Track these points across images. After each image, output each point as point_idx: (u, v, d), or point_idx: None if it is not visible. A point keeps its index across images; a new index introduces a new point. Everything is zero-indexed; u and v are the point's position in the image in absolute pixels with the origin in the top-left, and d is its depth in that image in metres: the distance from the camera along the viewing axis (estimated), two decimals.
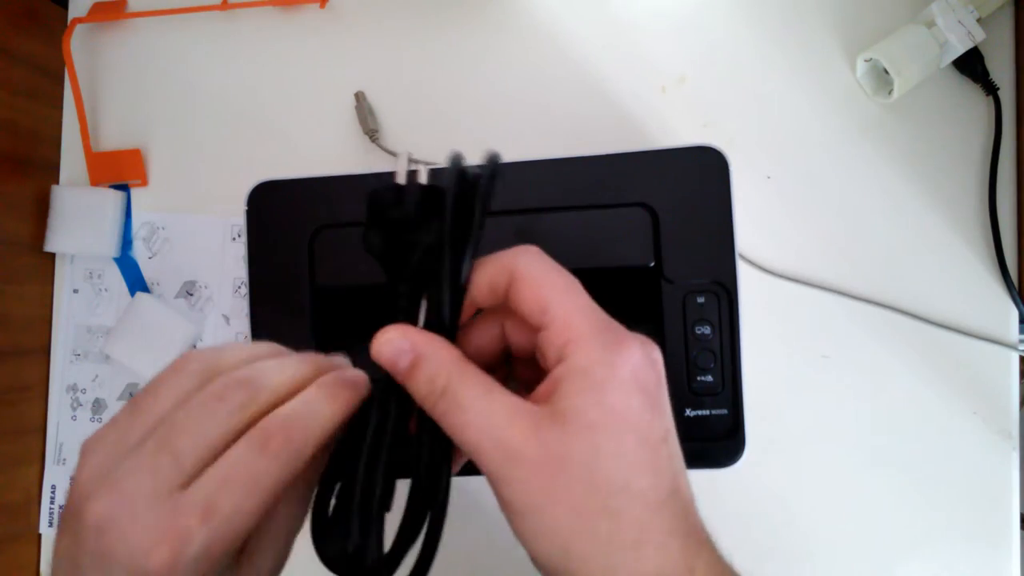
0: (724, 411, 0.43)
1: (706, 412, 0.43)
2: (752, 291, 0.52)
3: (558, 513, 0.23)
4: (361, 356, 0.27)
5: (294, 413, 0.24)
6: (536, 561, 0.24)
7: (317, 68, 0.58)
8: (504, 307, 0.27)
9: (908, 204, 0.53)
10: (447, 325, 0.26)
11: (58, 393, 0.58)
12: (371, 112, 0.56)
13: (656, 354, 0.26)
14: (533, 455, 0.23)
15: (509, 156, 0.44)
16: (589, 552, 0.23)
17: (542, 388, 0.25)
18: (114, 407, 0.57)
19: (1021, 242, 0.51)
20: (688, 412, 0.43)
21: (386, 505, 0.25)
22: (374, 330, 0.48)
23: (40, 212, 0.57)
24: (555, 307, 0.25)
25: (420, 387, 0.25)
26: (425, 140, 0.56)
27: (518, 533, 0.24)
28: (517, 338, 0.28)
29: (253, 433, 0.23)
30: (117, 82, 0.59)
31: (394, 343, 0.25)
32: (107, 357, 0.57)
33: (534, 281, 0.25)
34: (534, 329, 0.26)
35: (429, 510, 0.25)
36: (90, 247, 0.56)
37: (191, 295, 0.57)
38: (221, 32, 0.59)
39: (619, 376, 0.24)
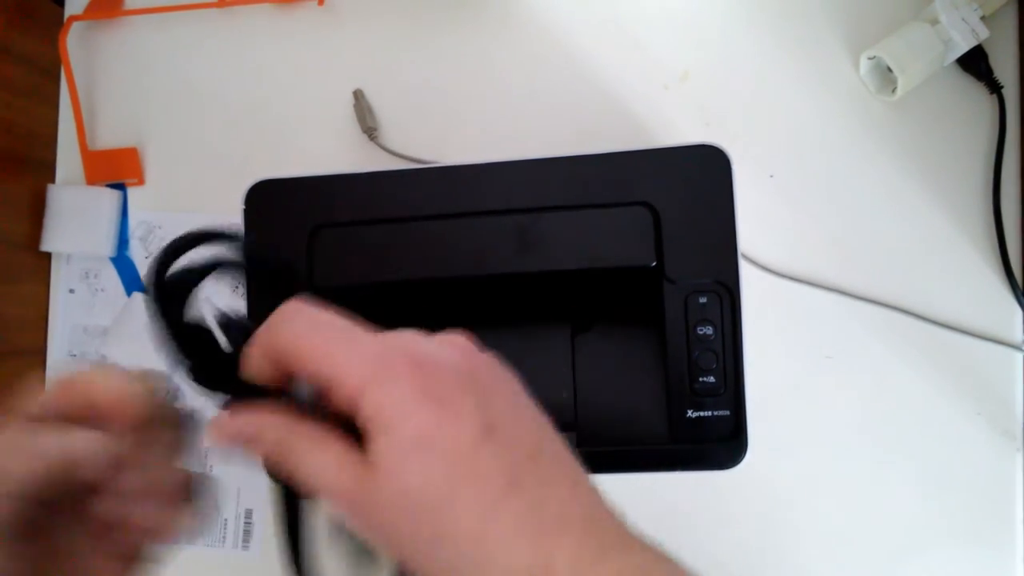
0: (726, 412, 0.43)
1: (708, 413, 0.43)
2: (754, 291, 0.51)
3: (401, 550, 0.24)
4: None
5: None
6: None
7: (315, 66, 0.57)
8: None
9: (911, 203, 0.52)
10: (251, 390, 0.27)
11: None
12: (370, 110, 0.56)
13: (447, 352, 0.25)
14: (365, 501, 0.24)
15: (509, 155, 0.44)
16: None
17: (359, 433, 0.25)
18: None
19: None
20: (690, 413, 0.43)
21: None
22: (372, 329, 0.48)
23: (36, 211, 0.56)
24: (324, 367, 0.24)
25: (266, 458, 0.26)
26: (424, 138, 0.56)
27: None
28: None
29: None
30: (114, 80, 0.59)
31: (226, 427, 0.27)
32: (104, 358, 0.56)
33: (293, 354, 0.25)
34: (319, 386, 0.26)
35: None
36: (86, 246, 0.56)
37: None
38: (218, 30, 0.58)
39: (397, 408, 0.23)
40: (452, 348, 0.26)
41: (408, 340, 0.25)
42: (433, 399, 0.23)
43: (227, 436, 0.26)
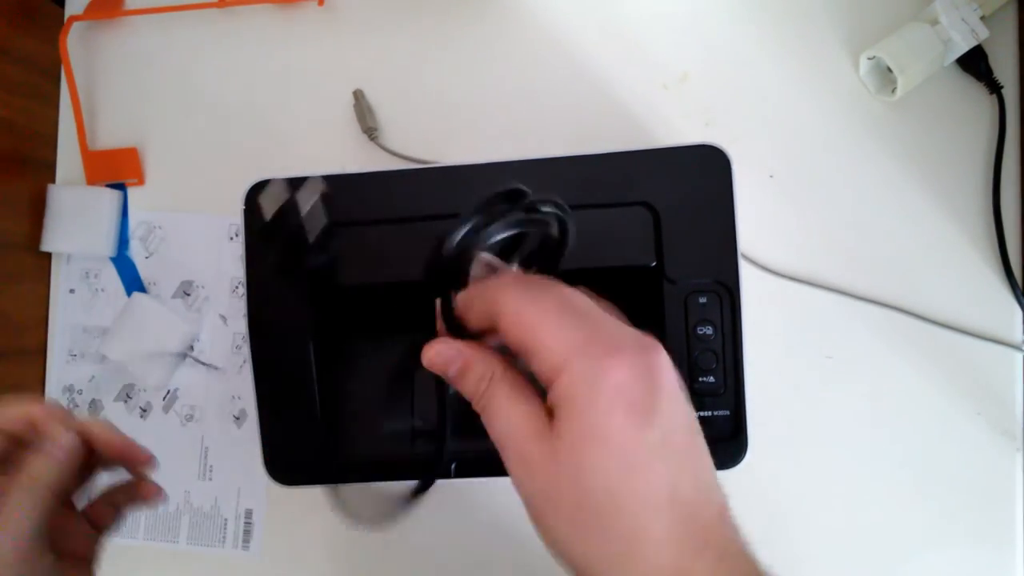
0: (726, 412, 0.43)
1: (708, 413, 0.43)
2: (754, 291, 0.51)
3: (556, 521, 0.26)
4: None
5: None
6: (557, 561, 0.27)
7: (315, 66, 0.57)
8: None
9: (911, 203, 0.52)
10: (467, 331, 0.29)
11: (54, 394, 0.58)
12: (369, 110, 0.56)
13: (654, 358, 0.26)
14: (539, 460, 0.26)
15: (509, 155, 0.44)
16: (583, 560, 0.26)
17: (548, 406, 0.27)
18: (111, 408, 0.57)
19: None
20: None
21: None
22: (372, 329, 0.48)
23: (36, 211, 0.56)
24: (533, 340, 0.26)
25: (467, 388, 0.29)
26: (424, 138, 0.56)
27: (539, 534, 0.27)
28: None
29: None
30: (114, 80, 0.59)
31: (439, 355, 0.29)
32: (104, 358, 0.56)
33: (512, 315, 0.27)
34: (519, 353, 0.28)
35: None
36: (86, 247, 0.56)
37: (188, 295, 0.57)
38: (219, 30, 0.58)
39: (600, 398, 0.25)
40: (649, 354, 0.27)
41: (613, 333, 0.27)
42: (626, 399, 0.25)
43: (442, 360, 0.29)
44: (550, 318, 0.26)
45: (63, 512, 0.37)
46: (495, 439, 0.28)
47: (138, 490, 0.40)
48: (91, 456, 0.37)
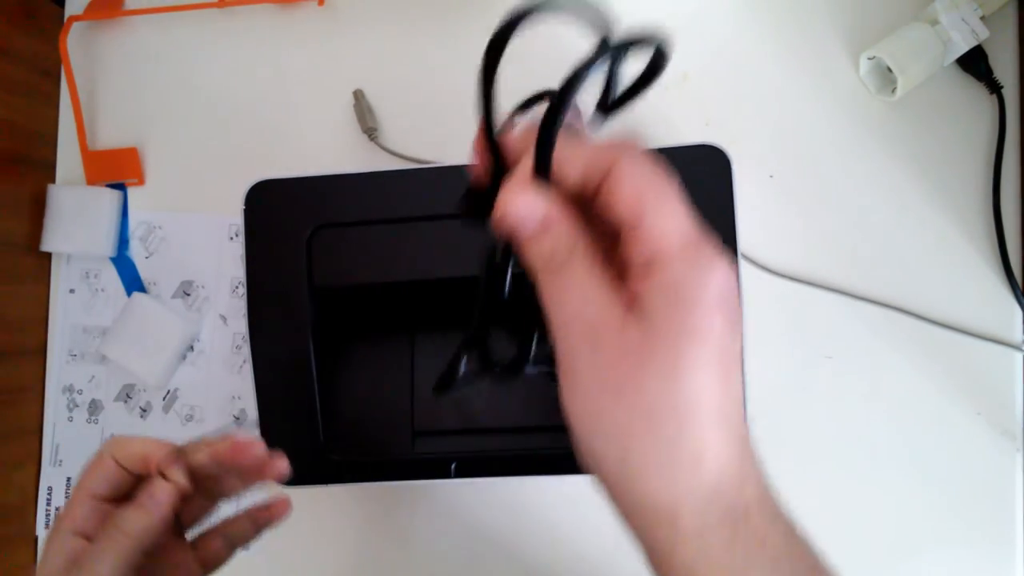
0: None
1: None
2: (754, 291, 0.51)
3: (624, 412, 0.24)
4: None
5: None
6: (592, 464, 0.25)
7: (315, 66, 0.57)
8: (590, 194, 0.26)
9: (911, 203, 0.52)
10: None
11: (54, 394, 0.58)
12: (369, 110, 0.56)
13: (735, 275, 0.25)
14: (615, 347, 0.23)
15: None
16: (649, 456, 0.24)
17: (628, 291, 0.24)
18: (111, 408, 0.57)
19: None
20: None
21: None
22: (372, 329, 0.48)
23: (36, 211, 0.56)
24: (651, 214, 0.24)
25: (538, 253, 0.25)
26: (424, 138, 0.55)
27: (579, 433, 0.25)
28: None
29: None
30: (114, 80, 0.59)
31: (528, 206, 0.25)
32: (104, 358, 0.56)
33: (635, 182, 0.24)
34: (622, 224, 0.25)
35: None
36: (86, 247, 0.56)
37: (188, 295, 0.57)
38: (219, 30, 0.58)
39: (707, 296, 0.23)
40: (734, 269, 0.25)
41: (714, 245, 0.24)
42: (725, 308, 0.24)
43: (527, 211, 0.25)
44: (673, 201, 0.24)
45: (172, 543, 0.39)
46: (559, 314, 0.25)
47: (268, 511, 0.41)
48: (213, 483, 0.38)
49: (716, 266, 0.24)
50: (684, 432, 0.23)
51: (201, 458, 0.37)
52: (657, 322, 0.23)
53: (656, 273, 0.24)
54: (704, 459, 0.23)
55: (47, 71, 0.58)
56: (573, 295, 0.24)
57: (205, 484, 0.38)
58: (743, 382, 0.26)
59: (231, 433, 0.38)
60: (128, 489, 0.37)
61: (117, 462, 0.36)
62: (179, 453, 0.37)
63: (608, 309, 0.24)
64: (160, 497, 0.35)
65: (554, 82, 0.27)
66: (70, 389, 0.58)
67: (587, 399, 0.24)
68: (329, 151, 0.57)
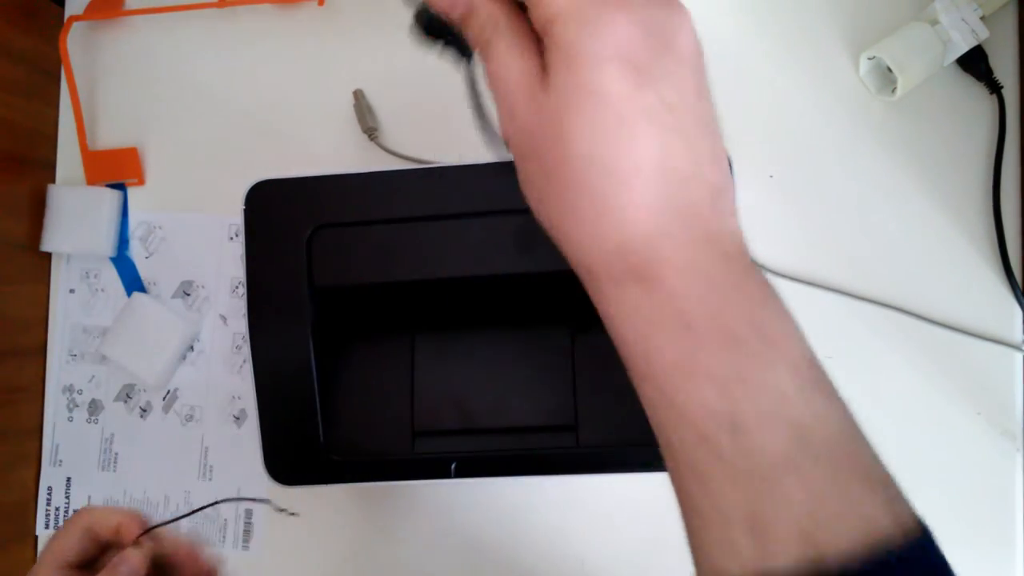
0: None
1: None
2: None
3: (542, 177, 0.25)
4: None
5: None
6: (545, 228, 0.27)
7: (315, 66, 0.57)
8: None
9: (911, 203, 0.52)
10: None
11: (54, 394, 0.58)
12: (370, 110, 0.56)
13: (671, 17, 0.24)
14: (529, 113, 0.25)
15: (509, 155, 0.44)
16: (559, 219, 0.25)
17: (544, 59, 0.25)
18: (111, 408, 0.57)
19: None
20: None
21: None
22: (372, 329, 0.48)
23: (36, 211, 0.56)
24: None
25: (470, 32, 0.27)
26: (424, 138, 0.56)
27: (525, 196, 0.27)
28: None
29: None
30: (114, 80, 0.59)
31: None
32: (104, 358, 0.56)
33: None
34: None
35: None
36: (86, 247, 0.56)
37: (188, 295, 0.57)
38: (219, 30, 0.58)
39: (596, 50, 0.23)
40: (665, 11, 0.24)
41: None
42: (626, 55, 0.23)
43: (447, 1, 0.27)
44: None
45: None
46: (492, 88, 0.26)
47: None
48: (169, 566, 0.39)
49: (613, 18, 0.23)
50: (581, 198, 0.24)
51: (167, 546, 0.38)
52: (558, 84, 0.24)
53: (550, 35, 0.24)
54: (604, 216, 0.24)
55: (47, 71, 0.58)
56: (498, 66, 0.26)
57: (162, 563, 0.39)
58: (683, 131, 0.24)
59: (202, 545, 0.40)
60: (93, 559, 0.37)
61: (90, 529, 0.37)
62: (149, 528, 0.38)
63: (524, 77, 0.25)
64: (134, 564, 0.36)
65: None
66: (70, 389, 0.58)
67: (519, 165, 0.26)
68: (329, 151, 0.57)
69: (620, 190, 0.23)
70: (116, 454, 0.57)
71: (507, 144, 0.27)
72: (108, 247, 0.56)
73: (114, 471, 0.57)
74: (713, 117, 0.26)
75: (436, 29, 0.29)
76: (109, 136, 0.59)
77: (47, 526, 0.57)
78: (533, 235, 0.43)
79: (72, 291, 0.58)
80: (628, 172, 0.23)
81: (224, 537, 0.55)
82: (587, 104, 0.23)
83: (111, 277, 0.58)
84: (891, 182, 0.52)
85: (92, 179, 0.57)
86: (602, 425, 0.44)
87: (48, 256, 0.58)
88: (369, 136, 0.55)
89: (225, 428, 0.56)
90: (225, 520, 0.56)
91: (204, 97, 0.58)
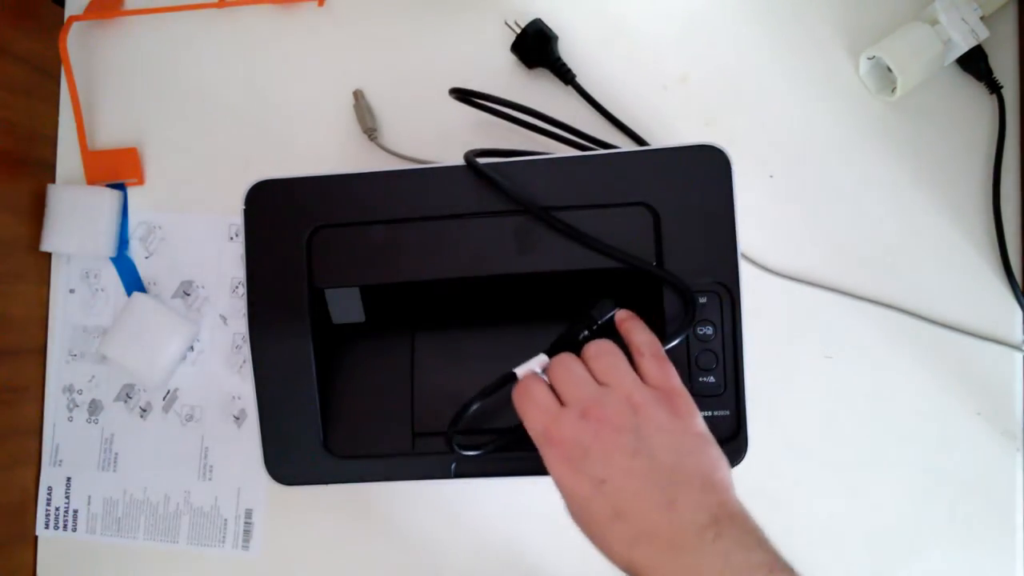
0: (726, 412, 0.43)
1: (708, 413, 0.43)
2: (754, 291, 0.51)
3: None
4: None
5: None
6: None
7: (315, 66, 0.57)
8: None
9: (911, 203, 0.52)
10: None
11: (54, 394, 0.58)
12: (369, 111, 0.56)
13: (599, 411, 0.36)
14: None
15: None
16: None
17: None
18: (110, 408, 0.57)
19: None
20: None
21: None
22: (372, 328, 0.48)
23: (36, 211, 0.56)
24: (520, 414, 0.39)
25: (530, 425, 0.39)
26: (424, 139, 0.56)
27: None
28: None
29: None
30: (114, 80, 0.59)
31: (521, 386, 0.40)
32: (104, 358, 0.56)
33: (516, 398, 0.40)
34: None
35: None
36: (86, 247, 0.56)
37: (188, 295, 0.57)
38: (219, 30, 0.58)
39: (549, 464, 0.37)
40: (597, 409, 0.36)
41: (586, 399, 0.37)
42: (563, 459, 0.36)
43: (522, 387, 0.39)
44: (531, 400, 0.38)
45: None
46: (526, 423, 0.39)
47: None
48: None
49: (552, 436, 0.36)
50: (593, 537, 0.36)
51: None
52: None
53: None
54: (610, 553, 0.35)
55: (47, 71, 0.58)
56: (524, 419, 0.39)
57: None
58: (622, 494, 0.35)
59: None
60: None
61: None
62: None
63: (538, 429, 0.38)
64: None
65: None
66: (70, 389, 0.58)
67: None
68: (329, 151, 0.57)
69: (604, 539, 0.36)
70: (116, 454, 0.57)
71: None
72: (108, 247, 0.56)
73: (114, 471, 0.57)
74: (647, 465, 0.35)
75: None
76: (109, 136, 0.59)
77: (47, 526, 0.57)
78: (533, 235, 0.43)
79: (72, 291, 0.58)
80: (598, 531, 0.36)
81: (224, 537, 0.55)
82: (562, 492, 0.37)
83: (111, 277, 0.58)
84: (891, 182, 0.52)
85: (92, 179, 0.57)
86: None
87: (48, 256, 0.58)
88: (369, 136, 0.55)
89: (225, 428, 0.56)
90: (225, 520, 0.56)
91: (204, 97, 0.58)
